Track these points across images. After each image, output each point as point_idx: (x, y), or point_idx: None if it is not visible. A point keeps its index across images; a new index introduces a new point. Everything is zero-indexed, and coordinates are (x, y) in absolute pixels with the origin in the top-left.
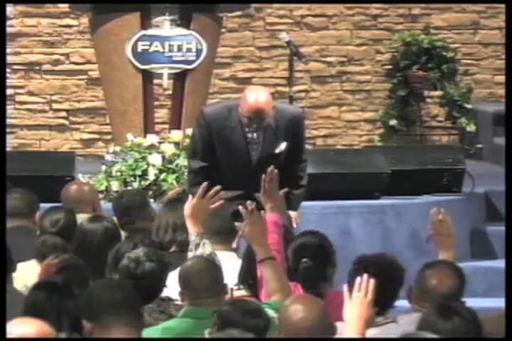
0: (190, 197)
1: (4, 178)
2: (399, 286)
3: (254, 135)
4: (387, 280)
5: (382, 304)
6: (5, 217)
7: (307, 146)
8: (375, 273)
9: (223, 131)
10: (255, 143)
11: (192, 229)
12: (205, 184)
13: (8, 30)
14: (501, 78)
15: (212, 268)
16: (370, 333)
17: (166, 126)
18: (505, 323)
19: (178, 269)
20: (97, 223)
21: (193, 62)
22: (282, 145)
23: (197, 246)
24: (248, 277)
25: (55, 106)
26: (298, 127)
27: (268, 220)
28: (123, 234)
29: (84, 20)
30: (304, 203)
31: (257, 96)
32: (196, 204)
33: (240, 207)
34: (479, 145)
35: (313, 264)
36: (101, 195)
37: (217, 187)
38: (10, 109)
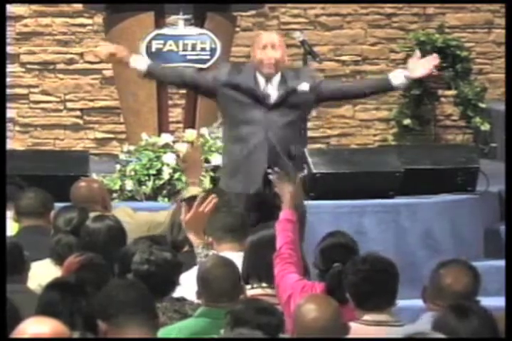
0: (183, 210)
1: (4, 178)
2: (396, 279)
3: (272, 84)
4: (384, 275)
5: (387, 298)
6: (5, 217)
7: (321, 146)
8: (371, 271)
9: (237, 75)
10: (268, 90)
11: (196, 242)
12: (202, 195)
13: (23, 29)
14: None
15: (232, 271)
16: (381, 333)
17: (180, 125)
18: (505, 323)
19: (195, 268)
20: (100, 222)
21: (207, 61)
22: (304, 85)
23: (205, 257)
24: (253, 271)
25: (69, 105)
26: (317, 75)
27: (282, 218)
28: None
29: (99, 19)
30: (318, 202)
31: (270, 31)
32: (193, 215)
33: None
34: (493, 145)
35: (343, 269)
36: (115, 195)
37: (213, 196)
38: (24, 108)
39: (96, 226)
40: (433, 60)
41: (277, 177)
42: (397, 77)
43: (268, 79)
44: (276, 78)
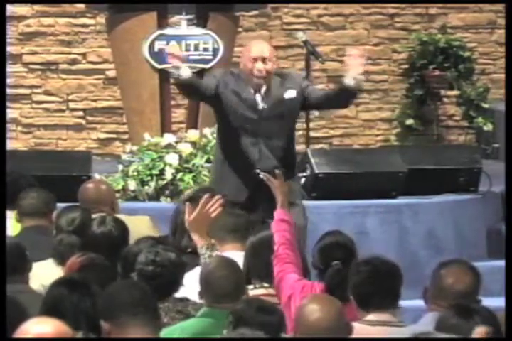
0: (187, 210)
1: (4, 177)
2: (399, 281)
3: (260, 94)
4: (387, 277)
5: (390, 299)
6: (5, 216)
7: (324, 146)
8: (374, 272)
9: (232, 80)
10: (261, 93)
11: (200, 243)
12: (207, 195)
13: (25, 29)
14: None
15: (235, 272)
16: (384, 333)
17: (183, 125)
18: (505, 323)
19: (198, 269)
20: (102, 225)
21: (209, 61)
22: (292, 92)
23: (209, 258)
24: (254, 271)
25: (71, 105)
26: (303, 81)
27: (276, 218)
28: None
29: (101, 19)
30: (320, 202)
31: (260, 41)
32: (198, 216)
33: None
34: (496, 145)
35: (343, 267)
36: (118, 195)
37: (218, 196)
38: (27, 109)
39: (98, 228)
40: (358, 55)
41: (267, 179)
42: (347, 78)
43: (256, 89)
44: (264, 87)
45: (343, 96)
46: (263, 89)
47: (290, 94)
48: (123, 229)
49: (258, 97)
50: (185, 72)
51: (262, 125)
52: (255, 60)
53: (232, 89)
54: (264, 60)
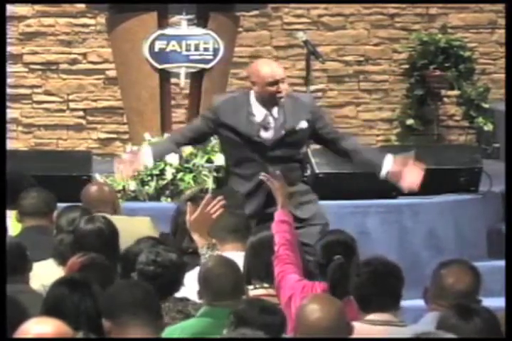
0: (188, 209)
1: (4, 177)
2: (401, 283)
3: (272, 115)
4: (388, 278)
5: (391, 300)
6: (5, 217)
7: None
8: (375, 273)
9: (232, 115)
10: (269, 122)
11: (200, 243)
12: (208, 196)
13: (26, 29)
14: None
15: (233, 270)
16: (385, 332)
17: (183, 125)
18: (505, 323)
19: (198, 268)
20: (90, 224)
21: (210, 61)
22: (303, 124)
23: (210, 257)
24: (254, 272)
25: (72, 105)
26: (315, 109)
27: (277, 219)
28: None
29: (102, 19)
30: (321, 202)
31: (267, 61)
32: (199, 216)
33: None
34: (496, 145)
35: (344, 262)
36: (118, 195)
37: (220, 198)
38: (27, 109)
39: (87, 227)
40: (420, 173)
41: (268, 180)
42: (385, 168)
43: (269, 109)
44: (276, 109)
45: (359, 164)
46: (274, 109)
47: (302, 124)
48: (112, 227)
49: (270, 120)
50: (147, 164)
51: (271, 154)
52: (275, 83)
53: (234, 125)
54: (282, 81)
